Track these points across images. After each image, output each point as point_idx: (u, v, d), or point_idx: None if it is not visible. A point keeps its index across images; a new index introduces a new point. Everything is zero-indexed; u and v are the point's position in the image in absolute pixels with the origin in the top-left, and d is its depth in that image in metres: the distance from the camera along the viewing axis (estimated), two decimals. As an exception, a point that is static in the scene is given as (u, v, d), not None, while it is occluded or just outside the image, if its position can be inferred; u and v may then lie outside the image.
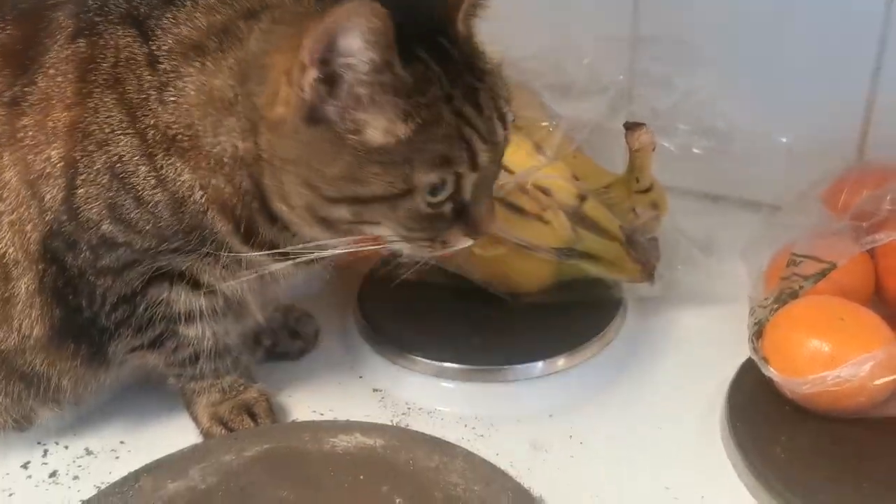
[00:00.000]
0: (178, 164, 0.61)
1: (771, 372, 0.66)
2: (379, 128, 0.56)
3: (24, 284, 0.64)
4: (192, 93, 0.60)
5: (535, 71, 0.91)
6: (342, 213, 0.60)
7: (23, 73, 0.61)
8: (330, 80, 0.55)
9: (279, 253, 0.65)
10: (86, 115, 0.60)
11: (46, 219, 0.62)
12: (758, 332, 0.70)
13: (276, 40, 0.58)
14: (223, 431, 0.72)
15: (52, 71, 0.61)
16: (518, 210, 0.80)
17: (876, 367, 0.63)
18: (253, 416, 0.72)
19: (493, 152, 0.61)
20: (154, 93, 0.60)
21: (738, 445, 0.67)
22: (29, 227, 0.62)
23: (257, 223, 0.63)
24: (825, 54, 0.90)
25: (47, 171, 0.61)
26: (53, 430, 0.74)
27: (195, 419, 0.74)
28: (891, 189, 0.80)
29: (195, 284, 0.67)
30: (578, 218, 0.82)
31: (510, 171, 0.78)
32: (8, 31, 0.62)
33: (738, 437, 0.67)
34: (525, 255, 0.81)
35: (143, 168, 0.61)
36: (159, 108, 0.60)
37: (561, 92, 0.92)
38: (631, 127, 0.80)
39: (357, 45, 0.53)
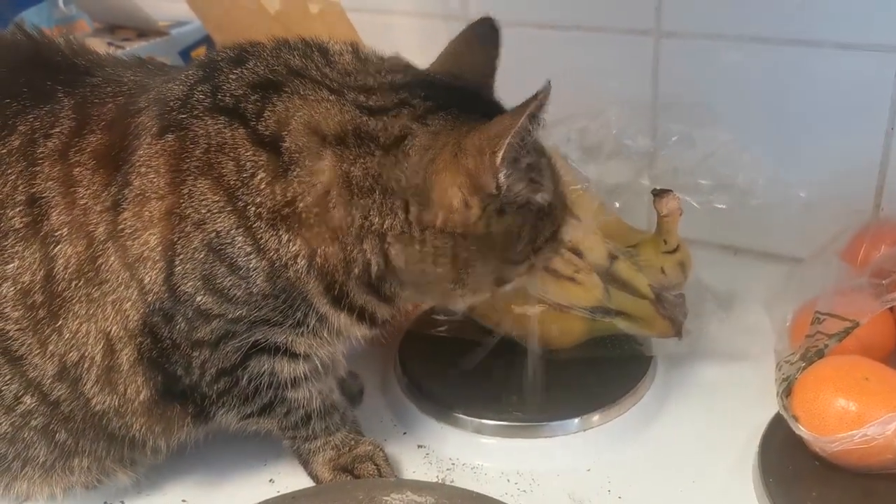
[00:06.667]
0: (287, 235, 0.64)
1: (801, 430, 0.69)
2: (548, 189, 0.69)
3: (125, 356, 0.67)
4: (327, 173, 0.64)
5: (562, 136, 0.96)
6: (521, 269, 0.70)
7: (116, 171, 0.65)
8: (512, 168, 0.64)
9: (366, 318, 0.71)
10: (181, 200, 0.64)
11: (148, 300, 0.66)
12: (787, 390, 0.73)
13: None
14: (349, 479, 0.76)
15: (143, 168, 0.64)
16: (552, 272, 0.83)
17: (901, 425, 0.66)
18: (377, 465, 0.76)
19: None
20: (263, 173, 0.64)
21: (771, 500, 0.69)
22: (128, 306, 0.66)
23: (351, 289, 0.67)
24: (841, 113, 0.95)
25: (145, 255, 0.65)
26: (114, 489, 0.77)
27: (315, 478, 0.77)
28: (908, 247, 0.84)
29: (293, 355, 0.71)
30: (610, 278, 0.86)
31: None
32: (98, 136, 0.66)
33: (771, 493, 0.70)
34: (560, 313, 0.84)
35: (238, 239, 0.64)
36: (275, 185, 0.63)
37: (588, 155, 0.97)
38: (659, 194, 0.84)
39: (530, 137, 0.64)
